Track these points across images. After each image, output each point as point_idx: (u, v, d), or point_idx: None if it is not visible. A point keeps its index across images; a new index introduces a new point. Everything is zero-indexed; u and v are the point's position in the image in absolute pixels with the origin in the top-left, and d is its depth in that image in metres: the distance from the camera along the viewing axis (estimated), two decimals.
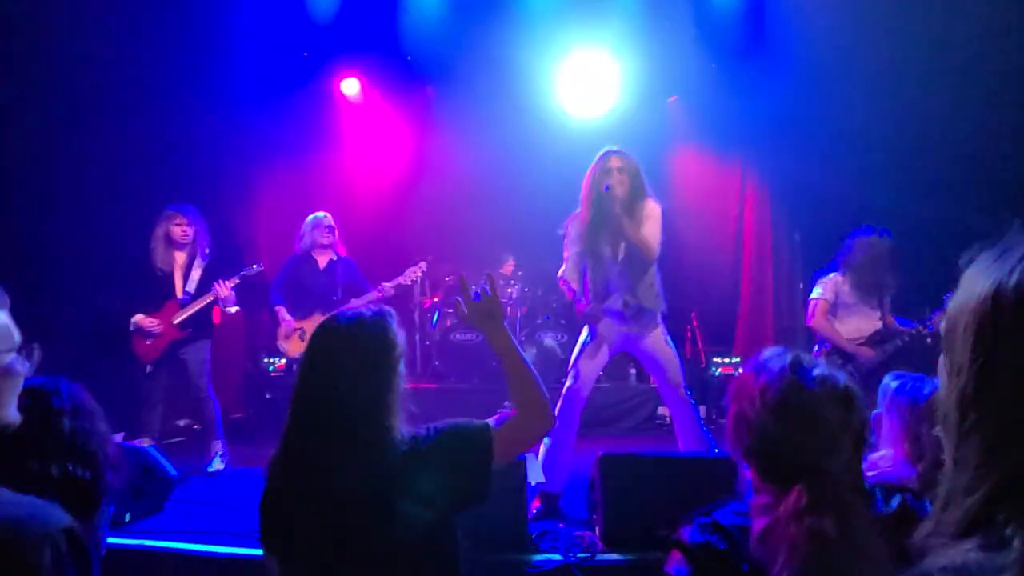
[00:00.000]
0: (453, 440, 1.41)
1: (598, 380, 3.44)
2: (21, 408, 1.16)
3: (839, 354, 3.71)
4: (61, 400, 1.27)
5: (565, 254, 3.30)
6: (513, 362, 1.51)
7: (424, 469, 1.36)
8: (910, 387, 1.77)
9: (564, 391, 3.20)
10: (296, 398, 1.44)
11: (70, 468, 1.19)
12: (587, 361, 3.16)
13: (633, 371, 5.83)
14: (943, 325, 0.66)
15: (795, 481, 1.02)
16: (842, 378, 1.09)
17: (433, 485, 1.36)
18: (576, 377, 3.16)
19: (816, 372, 1.09)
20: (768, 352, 1.16)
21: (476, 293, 1.57)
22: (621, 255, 3.14)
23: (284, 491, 1.41)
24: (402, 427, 1.41)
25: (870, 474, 1.67)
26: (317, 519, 1.35)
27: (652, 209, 3.14)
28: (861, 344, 3.73)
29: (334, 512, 1.35)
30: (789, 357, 1.11)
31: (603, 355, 3.19)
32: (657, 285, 3.20)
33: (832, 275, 3.81)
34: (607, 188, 3.05)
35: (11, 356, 1.02)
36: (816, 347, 3.89)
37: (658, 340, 3.16)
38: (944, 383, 0.63)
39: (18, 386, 1.05)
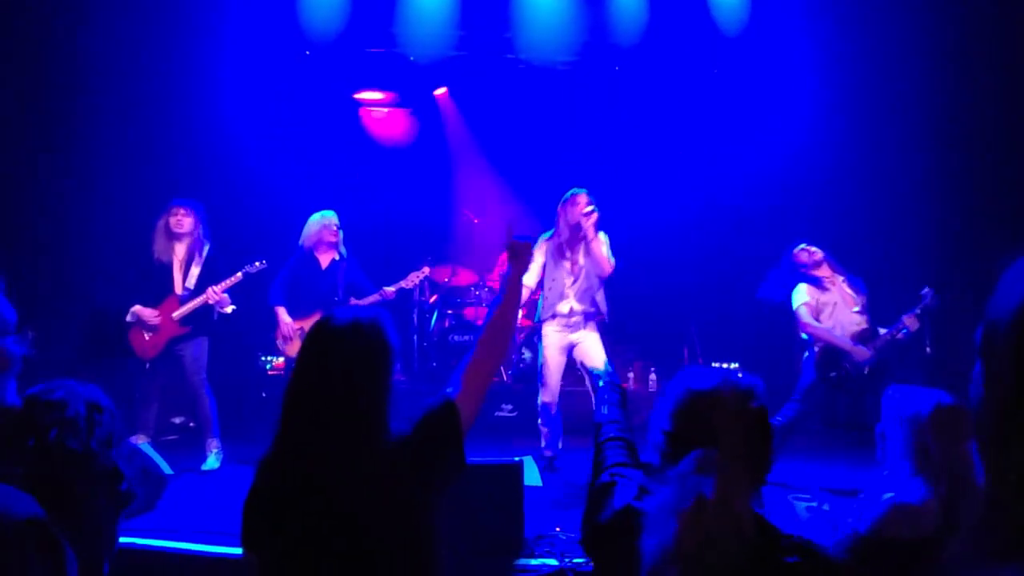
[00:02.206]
0: (425, 427, 1.45)
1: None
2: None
3: (834, 352, 3.68)
4: (103, 399, 1.31)
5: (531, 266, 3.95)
6: (513, 300, 1.67)
7: (408, 463, 1.39)
8: (913, 400, 1.76)
9: (540, 405, 3.93)
10: (289, 398, 1.44)
11: (116, 461, 1.22)
12: (552, 373, 3.90)
13: (631, 374, 5.83)
14: (981, 331, 0.62)
15: None
16: None
17: (418, 476, 1.39)
18: (546, 391, 3.90)
19: None
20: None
21: (519, 236, 1.81)
22: (579, 270, 3.89)
23: (274, 490, 1.41)
24: (390, 427, 1.43)
25: (887, 496, 1.65)
26: (307, 518, 1.35)
27: (605, 238, 3.94)
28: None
29: (325, 512, 1.35)
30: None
31: (562, 363, 3.93)
32: (601, 300, 3.97)
33: (802, 285, 3.88)
34: (590, 213, 3.79)
35: (6, 339, 1.01)
36: (806, 352, 3.87)
37: (595, 341, 3.88)
38: (981, 392, 0.60)
39: (15, 368, 1.04)
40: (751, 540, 0.98)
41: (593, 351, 3.85)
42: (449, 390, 1.52)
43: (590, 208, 3.83)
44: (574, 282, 3.90)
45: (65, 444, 1.18)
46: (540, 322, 4.01)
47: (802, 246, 4.01)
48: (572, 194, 3.94)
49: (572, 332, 3.91)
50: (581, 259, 3.91)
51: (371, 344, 1.44)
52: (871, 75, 5.21)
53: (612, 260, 3.89)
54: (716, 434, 1.08)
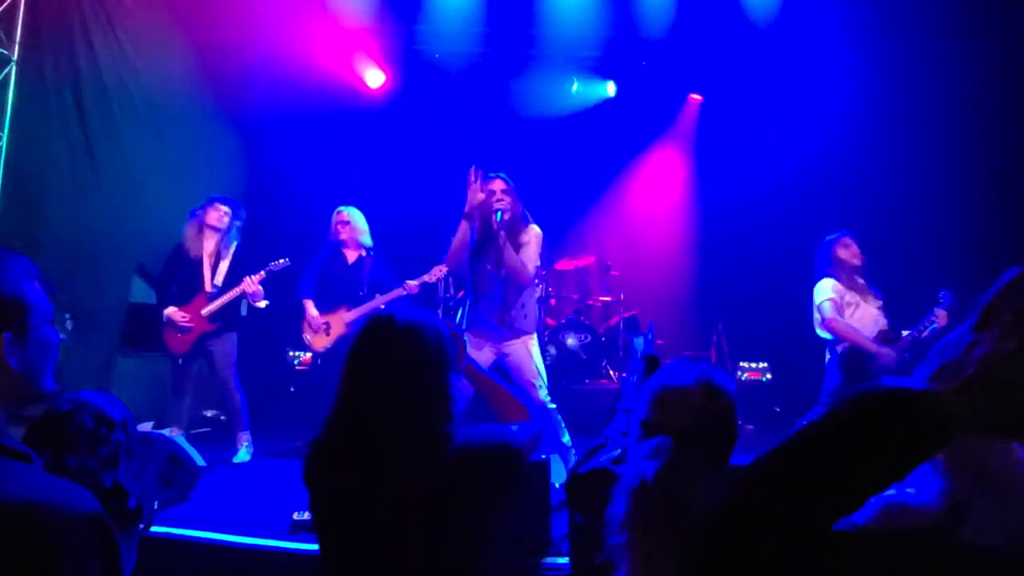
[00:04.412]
0: (496, 453, 1.40)
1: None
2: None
3: (859, 354, 3.58)
4: (116, 412, 1.26)
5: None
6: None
7: (473, 481, 1.35)
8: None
9: None
10: (346, 392, 1.39)
11: (120, 479, 1.19)
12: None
13: None
14: None
15: None
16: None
17: (481, 497, 1.36)
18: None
19: None
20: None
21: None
22: (502, 274, 3.25)
23: (332, 484, 1.37)
24: (452, 433, 1.38)
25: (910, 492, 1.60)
26: (362, 518, 1.33)
27: (533, 234, 3.29)
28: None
29: (380, 511, 1.32)
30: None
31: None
32: (530, 306, 3.32)
33: (827, 280, 3.73)
34: (497, 213, 3.17)
35: (46, 327, 1.02)
36: (829, 352, 3.78)
37: (524, 353, 3.27)
38: None
39: (54, 356, 1.05)
40: (704, 521, 0.99)
41: (525, 364, 3.24)
42: (516, 426, 1.52)
43: (503, 203, 3.18)
44: (499, 288, 3.25)
45: (59, 464, 1.14)
46: (463, 328, 3.36)
47: (847, 240, 3.77)
48: (489, 178, 3.25)
49: (499, 343, 3.28)
50: (506, 256, 3.23)
51: (429, 339, 1.39)
52: (905, 69, 5.06)
53: (530, 267, 3.22)
54: (679, 426, 1.17)
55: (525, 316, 3.28)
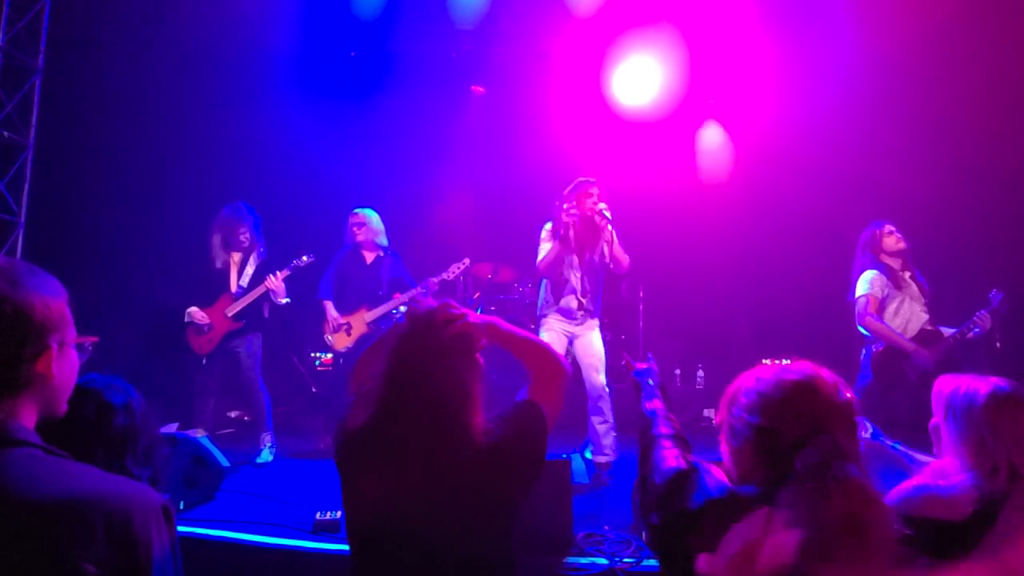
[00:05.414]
0: (521, 432, 1.43)
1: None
2: (76, 404, 1.16)
3: (894, 353, 3.49)
4: (117, 396, 1.25)
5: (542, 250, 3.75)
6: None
7: (503, 465, 1.37)
8: (966, 389, 1.64)
9: None
10: (389, 383, 1.39)
11: (128, 465, 1.19)
12: None
13: (678, 371, 5.72)
14: None
15: None
16: None
17: (511, 478, 1.38)
18: None
19: None
20: None
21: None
22: (587, 266, 3.71)
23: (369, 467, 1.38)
24: (480, 422, 1.40)
25: (941, 482, 1.56)
26: (392, 506, 1.33)
27: (613, 232, 3.64)
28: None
29: (411, 501, 1.33)
30: None
31: (562, 352, 3.63)
32: (600, 295, 3.81)
33: (870, 272, 3.62)
34: (603, 211, 3.55)
35: (74, 347, 1.03)
36: (864, 350, 3.68)
37: (594, 337, 3.70)
38: None
39: (75, 377, 1.06)
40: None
41: (594, 346, 3.65)
42: (535, 397, 1.53)
43: (603, 204, 3.60)
44: (581, 278, 3.71)
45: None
46: (541, 316, 3.80)
47: (888, 228, 3.70)
48: (581, 183, 3.70)
49: (574, 325, 3.72)
50: (590, 255, 3.71)
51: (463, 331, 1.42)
52: (931, 60, 4.92)
53: (626, 256, 3.65)
54: (820, 422, 1.03)
55: (596, 303, 3.76)
